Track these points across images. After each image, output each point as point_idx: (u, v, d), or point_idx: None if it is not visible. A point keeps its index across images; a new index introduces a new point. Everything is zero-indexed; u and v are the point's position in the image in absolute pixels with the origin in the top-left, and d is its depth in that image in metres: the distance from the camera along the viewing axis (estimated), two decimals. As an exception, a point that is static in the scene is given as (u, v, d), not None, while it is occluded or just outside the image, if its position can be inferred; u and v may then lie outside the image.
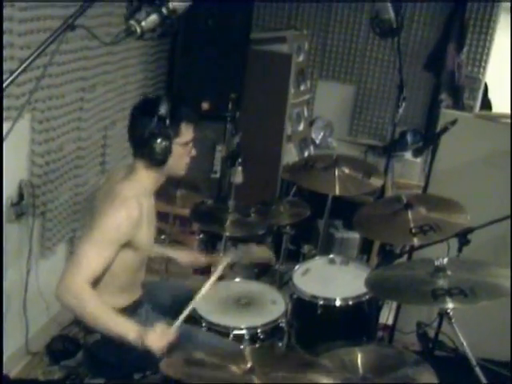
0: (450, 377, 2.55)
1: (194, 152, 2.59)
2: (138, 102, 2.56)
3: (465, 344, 2.13)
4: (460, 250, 3.10)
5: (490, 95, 5.67)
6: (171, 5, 1.78)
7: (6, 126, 2.61)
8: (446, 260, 2.26)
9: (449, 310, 2.13)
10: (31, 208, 3.25)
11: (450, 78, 5.39)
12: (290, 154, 5.25)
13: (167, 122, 2.40)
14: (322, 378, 1.91)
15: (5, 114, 2.80)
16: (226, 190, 4.07)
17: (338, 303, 2.98)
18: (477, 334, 3.05)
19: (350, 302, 2.98)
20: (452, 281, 2.20)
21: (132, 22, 1.74)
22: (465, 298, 2.09)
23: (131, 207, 2.41)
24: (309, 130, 5.67)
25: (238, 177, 3.43)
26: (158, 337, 2.28)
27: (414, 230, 2.73)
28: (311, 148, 5.65)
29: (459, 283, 2.17)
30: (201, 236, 4.46)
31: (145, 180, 2.52)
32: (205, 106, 4.56)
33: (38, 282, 3.43)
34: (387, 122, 5.70)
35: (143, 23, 1.74)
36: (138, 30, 1.74)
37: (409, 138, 5.57)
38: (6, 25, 2.78)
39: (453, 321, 2.14)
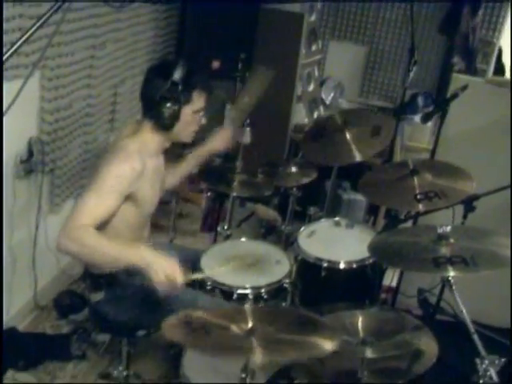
0: (450, 341, 2.57)
1: (203, 121, 2.61)
2: (154, 63, 2.56)
3: (464, 311, 2.15)
4: (465, 216, 3.11)
5: (504, 60, 5.60)
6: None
7: (15, 84, 2.66)
8: (449, 228, 2.27)
9: (450, 278, 2.15)
10: (40, 165, 3.27)
11: (463, 41, 5.33)
12: (300, 114, 5.24)
13: (180, 87, 2.41)
14: (323, 341, 1.94)
15: (14, 71, 2.81)
16: (234, 149, 4.07)
17: (342, 266, 3.00)
18: (478, 300, 3.09)
19: (354, 265, 3.01)
20: (454, 249, 2.21)
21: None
22: (466, 266, 2.11)
23: (134, 161, 2.43)
24: (319, 91, 5.64)
25: (246, 137, 3.42)
26: (163, 273, 2.24)
27: (419, 197, 2.72)
28: (321, 108, 5.63)
29: (461, 251, 2.18)
30: (209, 194, 4.49)
31: (149, 141, 2.54)
32: (215, 64, 4.54)
33: (47, 238, 3.47)
34: (398, 85, 5.68)
35: (151, -14, 1.74)
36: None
37: (420, 100, 5.55)
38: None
39: (454, 288, 2.16)
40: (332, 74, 5.77)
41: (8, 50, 1.55)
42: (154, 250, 2.66)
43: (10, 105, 1.92)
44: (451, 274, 2.10)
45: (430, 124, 5.42)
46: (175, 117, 2.46)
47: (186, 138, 2.63)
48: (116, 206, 2.42)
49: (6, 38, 2.69)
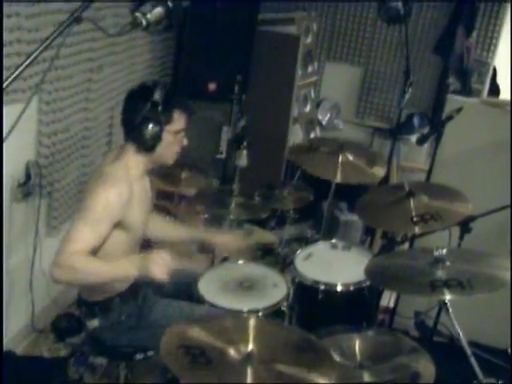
0: (447, 363, 2.58)
1: (185, 142, 2.60)
2: (134, 87, 2.57)
3: (461, 335, 2.16)
4: (461, 237, 3.12)
5: (499, 80, 5.64)
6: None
7: (14, 108, 2.68)
8: (445, 251, 2.29)
9: (446, 301, 2.16)
10: (38, 188, 3.28)
11: (458, 62, 5.38)
12: (297, 136, 5.26)
13: (160, 107, 2.43)
14: (321, 378, 1.90)
15: (12, 96, 2.82)
16: (231, 171, 4.10)
17: (339, 288, 3.00)
18: (476, 320, 3.10)
19: (351, 288, 3.01)
20: (450, 272, 2.22)
21: (138, 14, 1.76)
22: (462, 289, 2.12)
23: (121, 187, 2.43)
24: (315, 112, 5.67)
25: (242, 160, 3.45)
26: (158, 265, 2.30)
27: (415, 219, 2.75)
28: (317, 129, 5.65)
29: (457, 274, 2.20)
30: (206, 216, 4.49)
31: (133, 164, 2.53)
32: (211, 87, 4.57)
33: (44, 261, 3.46)
34: (394, 105, 5.70)
35: (149, 16, 1.76)
36: (144, 22, 1.76)
37: (415, 121, 5.57)
38: (13, 21, 2.79)
39: (450, 311, 2.17)
40: (328, 95, 5.80)
41: (9, 75, 1.56)
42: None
43: (10, 130, 1.93)
44: (447, 297, 2.12)
45: (425, 144, 5.46)
46: (157, 137, 2.46)
47: (168, 160, 2.63)
48: (106, 234, 2.42)
49: (4, 63, 2.72)
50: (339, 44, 5.73)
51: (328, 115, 5.77)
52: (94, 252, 2.40)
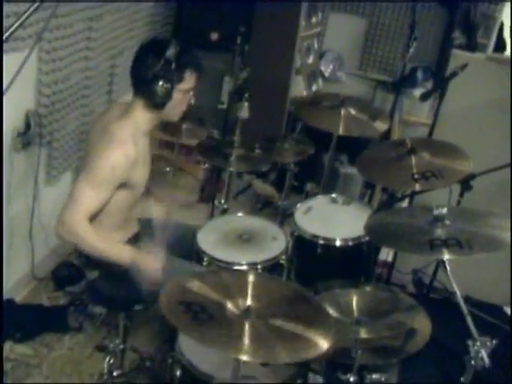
0: (443, 320, 2.60)
1: (192, 100, 2.59)
2: (146, 40, 2.54)
3: (458, 293, 2.16)
4: (462, 195, 3.13)
5: (506, 34, 5.55)
6: None
7: (14, 57, 2.64)
8: (445, 209, 2.28)
9: (445, 260, 2.16)
10: (38, 137, 3.26)
11: (464, 15, 5.29)
12: (298, 87, 5.21)
13: (173, 65, 2.40)
14: (318, 337, 1.87)
15: (12, 44, 2.78)
16: (232, 122, 4.06)
17: (337, 243, 3.02)
18: (473, 275, 3.11)
19: (350, 243, 3.02)
20: (450, 231, 2.22)
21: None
22: (461, 249, 2.12)
23: (127, 147, 2.43)
24: (318, 63, 5.61)
25: (244, 112, 3.40)
26: (151, 259, 2.42)
27: (416, 176, 2.74)
28: (320, 81, 5.60)
29: (456, 234, 2.19)
30: (206, 165, 4.50)
31: (140, 120, 2.52)
32: (214, 36, 4.53)
33: (44, 209, 3.48)
34: (398, 58, 5.63)
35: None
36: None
37: (419, 74, 5.51)
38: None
39: (448, 270, 2.17)
40: (332, 47, 5.73)
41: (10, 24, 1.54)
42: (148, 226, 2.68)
43: (11, 80, 1.91)
44: (446, 256, 2.12)
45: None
46: (168, 96, 2.44)
47: (174, 117, 2.63)
48: (111, 196, 2.46)
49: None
50: (343, -6, 5.63)
51: (331, 67, 5.71)
52: (98, 212, 2.45)
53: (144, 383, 3.03)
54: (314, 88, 5.46)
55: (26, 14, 1.55)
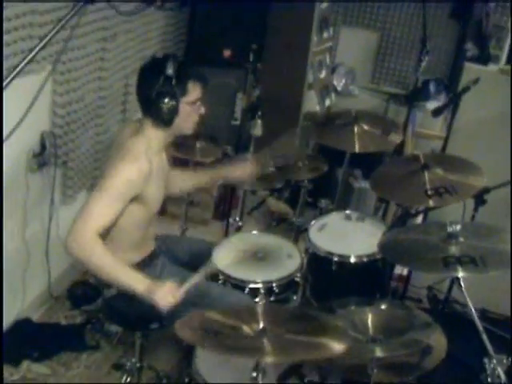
0: (458, 336, 2.58)
1: (202, 110, 2.61)
2: (146, 61, 2.57)
3: (473, 311, 2.16)
4: (476, 209, 3.12)
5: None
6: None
7: (28, 79, 2.69)
8: (458, 226, 2.28)
9: (459, 277, 2.16)
10: (53, 158, 3.30)
11: (476, 27, 5.28)
12: (311, 102, 5.21)
13: (174, 81, 2.43)
14: (332, 342, 1.96)
15: (27, 66, 2.80)
16: (245, 139, 4.08)
17: (352, 260, 3.03)
18: (488, 287, 3.09)
19: (365, 259, 3.03)
20: (463, 248, 2.22)
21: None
22: (475, 266, 2.12)
23: (141, 162, 2.45)
24: (330, 78, 5.61)
25: (257, 129, 3.42)
26: (165, 293, 2.36)
27: (429, 192, 2.75)
28: (332, 95, 5.60)
29: (470, 251, 2.20)
30: (220, 182, 4.50)
31: (153, 138, 2.55)
32: (226, 53, 4.55)
33: (60, 229, 3.50)
34: (410, 71, 5.61)
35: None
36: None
37: (432, 87, 5.48)
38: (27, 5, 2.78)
39: (463, 287, 2.17)
40: (344, 61, 5.73)
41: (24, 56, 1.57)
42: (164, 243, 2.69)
43: (30, 105, 1.94)
44: (460, 274, 2.12)
45: (442, 112, 5.40)
46: (174, 111, 2.47)
47: (187, 130, 2.64)
48: (123, 210, 2.46)
49: (15, 35, 2.72)
50: (355, 8, 5.63)
51: (343, 81, 5.70)
52: (109, 227, 2.45)
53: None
54: (328, 103, 5.46)
55: (48, 38, 1.57)
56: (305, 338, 1.99)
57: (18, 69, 1.58)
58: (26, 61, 1.58)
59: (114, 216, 2.44)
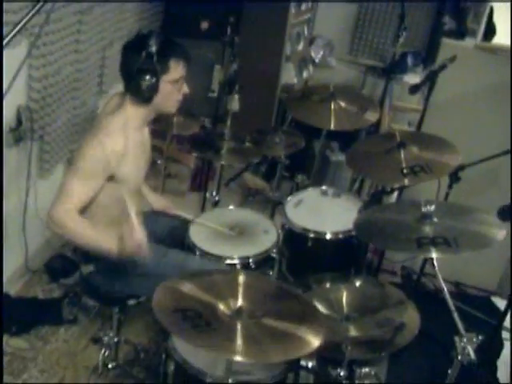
0: (432, 312, 2.62)
1: (185, 89, 2.58)
2: (129, 38, 2.55)
3: (445, 290, 2.20)
4: (450, 186, 3.16)
5: (495, 19, 5.54)
6: None
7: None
8: (433, 206, 2.30)
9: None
10: (29, 132, 3.27)
11: (454, 1, 5.28)
12: (289, 74, 5.20)
13: (155, 58, 2.41)
14: (310, 335, 1.92)
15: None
16: (222, 112, 4.07)
17: (328, 236, 3.06)
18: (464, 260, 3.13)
19: (340, 236, 3.06)
20: (437, 229, 2.24)
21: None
22: (448, 247, 2.15)
23: (114, 139, 2.44)
24: (308, 49, 5.60)
25: (234, 104, 3.43)
26: (134, 245, 2.37)
27: (405, 171, 2.77)
28: (310, 67, 5.60)
29: (444, 232, 2.22)
30: (196, 155, 4.51)
31: (132, 115, 2.54)
32: (204, 25, 4.52)
33: (37, 202, 3.49)
34: (388, 43, 5.63)
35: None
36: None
37: (409, 60, 5.51)
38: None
39: (436, 267, 2.21)
40: (322, 32, 5.72)
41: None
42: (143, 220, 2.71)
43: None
44: (433, 255, 2.14)
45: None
46: (153, 88, 2.45)
47: (169, 109, 2.63)
48: (99, 186, 2.47)
49: None
50: (333, -20, 5.61)
51: (321, 52, 5.69)
52: (89, 203, 2.47)
53: (139, 375, 3.07)
54: (305, 74, 5.47)
55: (28, 16, 1.56)
56: (282, 324, 1.96)
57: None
58: (6, 40, 1.55)
59: (90, 193, 2.45)
